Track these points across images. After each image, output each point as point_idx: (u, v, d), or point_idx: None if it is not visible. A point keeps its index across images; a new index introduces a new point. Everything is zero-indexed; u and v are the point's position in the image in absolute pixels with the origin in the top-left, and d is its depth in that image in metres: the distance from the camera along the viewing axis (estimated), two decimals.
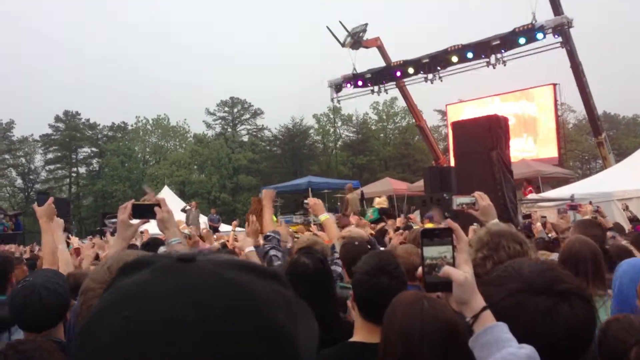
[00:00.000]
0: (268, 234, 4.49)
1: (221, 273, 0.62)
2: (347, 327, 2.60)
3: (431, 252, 1.40)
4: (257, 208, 15.08)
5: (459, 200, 3.17)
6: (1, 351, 1.77)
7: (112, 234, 3.27)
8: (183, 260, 0.63)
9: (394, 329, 1.81)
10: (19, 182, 55.00)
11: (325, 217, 4.52)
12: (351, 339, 2.44)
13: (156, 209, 2.64)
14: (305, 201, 5.50)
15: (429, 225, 7.05)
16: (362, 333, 2.41)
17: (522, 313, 1.39)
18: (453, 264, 1.39)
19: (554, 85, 24.51)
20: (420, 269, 1.42)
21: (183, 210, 20.29)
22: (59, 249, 4.12)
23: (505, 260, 1.96)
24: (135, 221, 2.70)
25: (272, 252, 4.32)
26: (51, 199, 3.78)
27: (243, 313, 0.58)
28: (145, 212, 2.69)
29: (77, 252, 6.19)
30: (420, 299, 1.80)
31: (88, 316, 0.61)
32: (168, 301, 0.57)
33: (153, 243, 5.61)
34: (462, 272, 1.39)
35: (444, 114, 39.85)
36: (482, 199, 3.10)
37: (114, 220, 3.38)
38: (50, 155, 55.36)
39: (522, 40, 19.06)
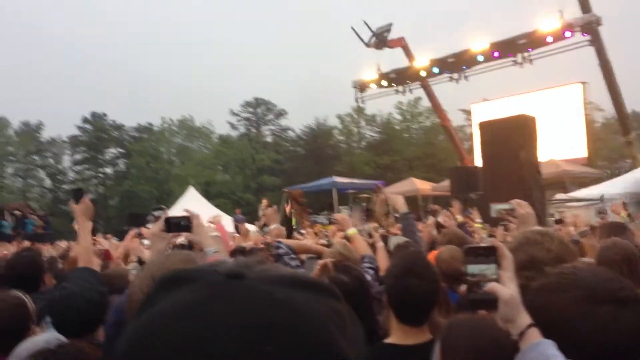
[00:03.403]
0: (280, 247, 4.19)
1: (273, 293, 0.57)
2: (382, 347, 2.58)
3: (475, 269, 1.40)
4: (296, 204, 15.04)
5: (497, 207, 3.10)
6: (42, 352, 1.80)
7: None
8: (231, 276, 0.58)
9: (459, 350, 1.75)
10: (48, 182, 55.98)
11: (353, 231, 4.43)
12: (386, 340, 2.43)
13: (187, 235, 2.71)
14: (333, 217, 5.50)
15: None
16: (398, 335, 2.40)
17: (587, 322, 1.36)
18: (497, 282, 1.39)
19: (583, 83, 24.14)
20: (464, 287, 1.41)
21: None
22: (92, 251, 4.10)
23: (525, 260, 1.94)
24: (168, 235, 2.74)
25: (286, 258, 4.15)
26: (88, 196, 3.64)
27: (300, 342, 0.54)
28: (178, 226, 2.73)
29: (106, 253, 6.21)
30: (477, 320, 1.75)
31: (127, 343, 0.56)
32: (215, 333, 0.52)
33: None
34: (508, 290, 1.39)
35: (468, 113, 39.48)
36: (521, 206, 3.01)
37: (158, 213, 3.34)
38: (77, 156, 56.22)
39: (549, 39, 18.84)
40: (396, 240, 4.78)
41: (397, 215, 5.48)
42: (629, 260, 3.29)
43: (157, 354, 0.52)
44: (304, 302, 0.57)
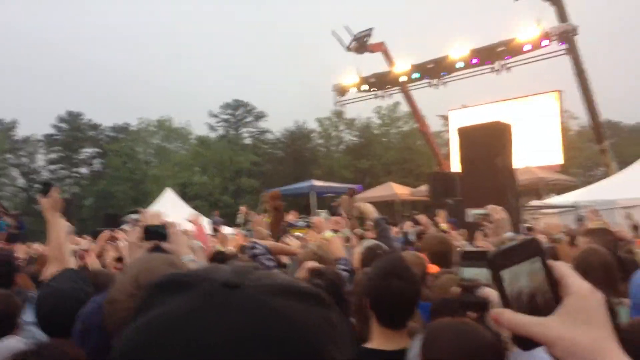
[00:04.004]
0: (255, 247, 4.24)
1: (268, 303, 0.58)
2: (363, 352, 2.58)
3: (469, 273, 1.42)
4: (272, 205, 14.86)
5: (472, 212, 3.17)
6: (25, 353, 1.77)
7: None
8: (227, 285, 0.59)
9: (441, 352, 1.76)
10: (21, 181, 55.05)
11: (330, 234, 4.47)
12: (366, 345, 2.43)
13: (163, 244, 2.65)
14: (310, 220, 5.52)
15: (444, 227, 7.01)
16: (378, 340, 2.41)
17: None
18: (490, 286, 1.41)
19: (559, 92, 24.52)
20: (457, 289, 1.43)
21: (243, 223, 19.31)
22: (63, 246, 3.87)
23: None
24: (145, 243, 2.70)
25: (263, 259, 4.18)
26: (56, 189, 3.48)
27: (293, 354, 0.55)
28: (155, 234, 2.71)
29: (85, 253, 6.14)
30: (460, 323, 1.77)
31: (123, 350, 0.57)
32: (211, 344, 0.53)
33: None
34: None
35: (446, 119, 39.81)
36: (496, 211, 3.08)
37: (135, 216, 3.28)
38: (52, 155, 55.42)
39: (527, 47, 19.11)
40: (367, 243, 4.83)
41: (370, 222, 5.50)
42: (606, 267, 3.36)
43: None
44: (299, 313, 0.59)
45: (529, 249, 0.81)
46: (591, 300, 0.78)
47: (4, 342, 2.52)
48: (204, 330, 0.54)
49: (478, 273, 1.44)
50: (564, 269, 0.81)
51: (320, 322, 0.60)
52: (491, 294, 1.40)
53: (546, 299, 0.79)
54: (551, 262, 0.81)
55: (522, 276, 0.80)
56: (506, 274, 0.80)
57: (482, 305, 1.41)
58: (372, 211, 4.94)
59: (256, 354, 0.53)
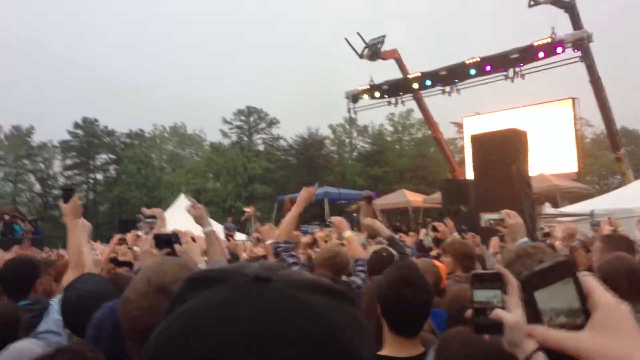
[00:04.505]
0: (279, 244, 3.97)
1: (298, 297, 0.59)
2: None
3: (481, 295, 1.42)
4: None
5: (486, 217, 3.15)
6: (42, 357, 1.79)
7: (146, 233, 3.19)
8: (258, 279, 0.61)
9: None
10: (38, 187, 55.64)
11: (349, 234, 4.51)
12: (379, 352, 2.44)
13: (176, 246, 2.74)
14: (329, 219, 5.50)
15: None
16: (391, 347, 2.42)
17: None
18: (503, 307, 1.41)
19: (573, 99, 24.32)
20: (469, 311, 1.44)
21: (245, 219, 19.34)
22: (83, 252, 3.76)
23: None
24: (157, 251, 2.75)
25: (284, 255, 3.90)
26: (77, 195, 3.53)
27: (323, 348, 0.56)
28: (166, 242, 2.75)
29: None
30: (470, 332, 1.78)
31: (158, 340, 0.59)
32: (244, 333, 0.55)
33: None
34: (513, 315, 1.41)
35: (460, 126, 39.65)
36: (510, 216, 3.06)
37: (150, 220, 3.33)
38: (68, 161, 56.00)
39: (541, 54, 18.99)
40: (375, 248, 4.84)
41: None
42: (632, 275, 3.26)
43: (183, 354, 0.55)
44: (328, 308, 0.60)
45: (562, 270, 0.84)
46: (618, 311, 0.80)
47: (18, 344, 2.53)
48: (236, 321, 0.56)
49: (491, 296, 1.44)
50: (591, 283, 0.84)
51: (347, 319, 0.62)
52: (504, 316, 1.41)
53: (578, 315, 0.82)
54: (581, 278, 0.84)
55: (555, 296, 0.83)
56: (540, 295, 0.83)
57: (496, 328, 1.41)
58: (383, 229, 4.92)
59: (286, 347, 0.54)
